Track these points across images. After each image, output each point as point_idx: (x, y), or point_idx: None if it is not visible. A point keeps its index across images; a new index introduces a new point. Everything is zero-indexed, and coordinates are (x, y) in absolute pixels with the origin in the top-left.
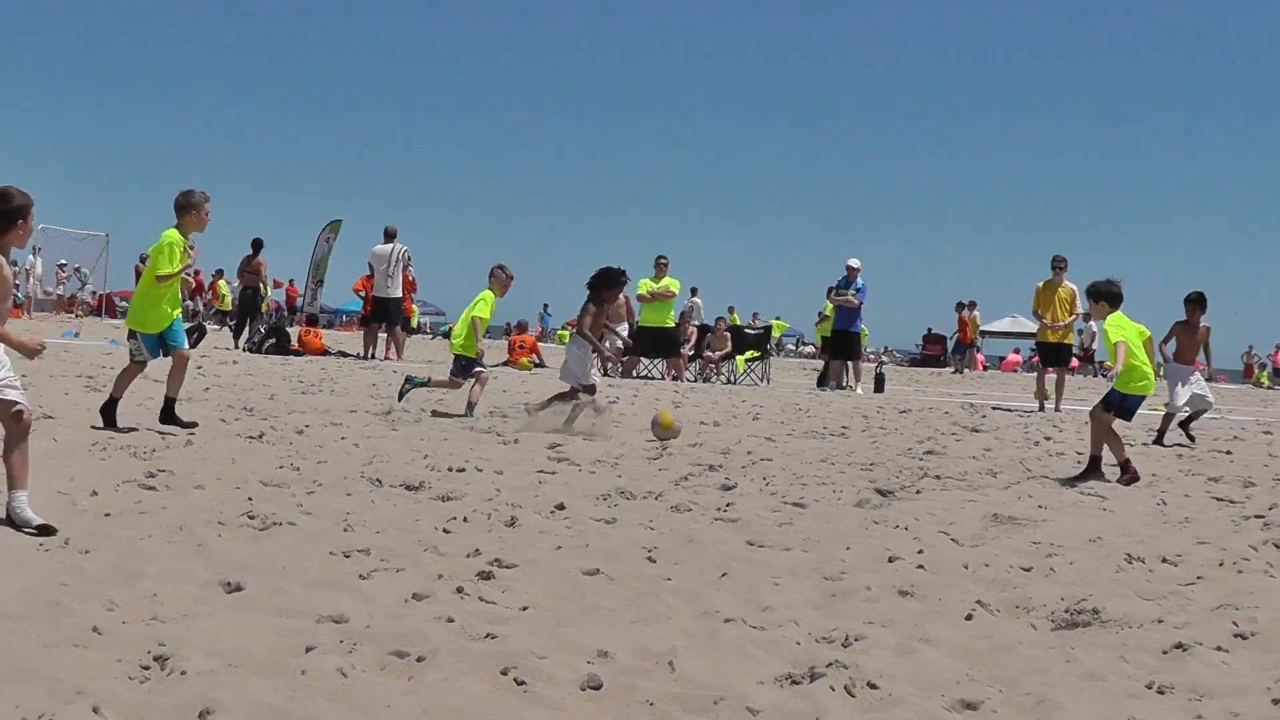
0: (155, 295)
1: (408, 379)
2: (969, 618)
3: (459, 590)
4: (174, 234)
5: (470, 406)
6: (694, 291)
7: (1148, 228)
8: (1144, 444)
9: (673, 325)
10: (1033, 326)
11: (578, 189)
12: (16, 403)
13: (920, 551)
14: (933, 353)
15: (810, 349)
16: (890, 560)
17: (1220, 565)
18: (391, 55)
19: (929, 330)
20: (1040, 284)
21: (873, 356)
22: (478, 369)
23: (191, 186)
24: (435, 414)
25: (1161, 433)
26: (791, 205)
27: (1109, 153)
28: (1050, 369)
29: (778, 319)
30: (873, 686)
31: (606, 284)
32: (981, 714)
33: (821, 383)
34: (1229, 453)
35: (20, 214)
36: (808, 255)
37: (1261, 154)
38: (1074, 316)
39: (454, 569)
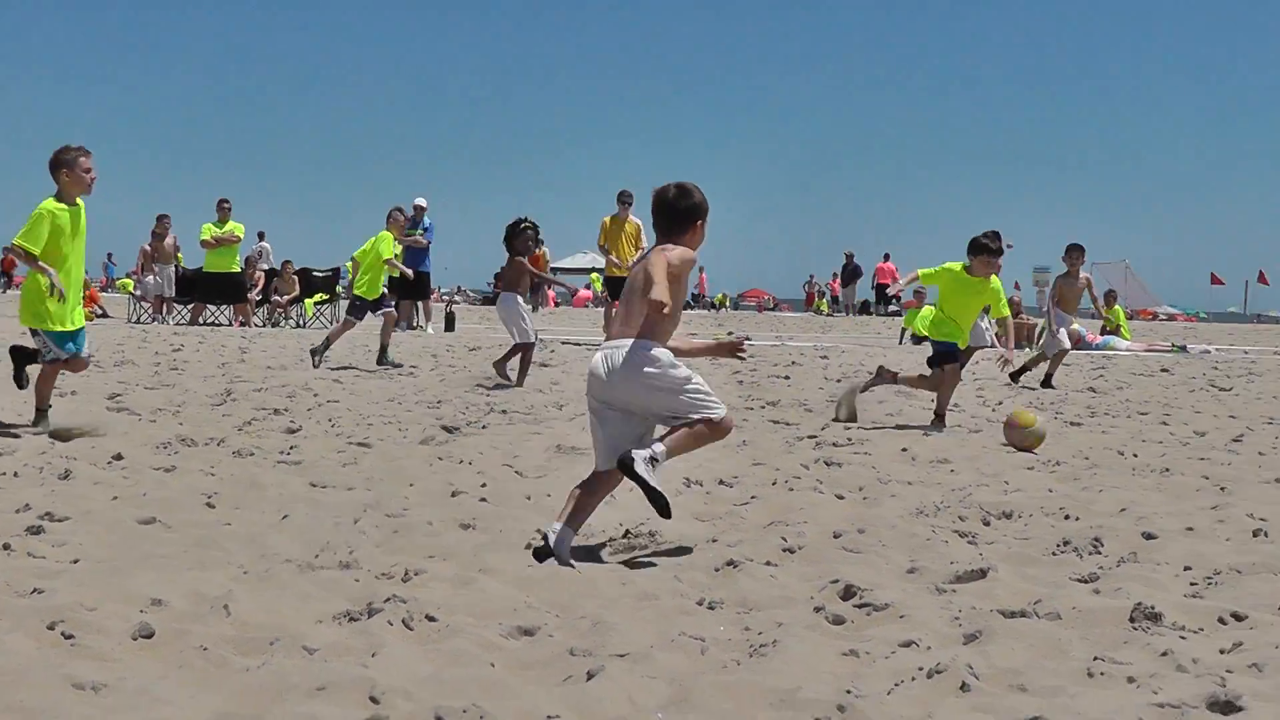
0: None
1: (313, 351)
2: (528, 547)
3: (5, 546)
4: (48, 203)
5: (384, 350)
6: (261, 236)
7: (723, 153)
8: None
9: (238, 270)
10: (603, 261)
11: (135, 135)
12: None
13: (484, 485)
14: None
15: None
16: (453, 495)
17: (773, 484)
18: None
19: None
20: (606, 219)
21: (444, 296)
22: (385, 308)
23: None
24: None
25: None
26: (357, 145)
27: (681, 74)
28: (617, 303)
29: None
30: (430, 619)
31: (511, 235)
32: (538, 639)
33: None
34: (787, 378)
35: (700, 214)
36: (375, 197)
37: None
38: (640, 251)
39: (1, 526)
